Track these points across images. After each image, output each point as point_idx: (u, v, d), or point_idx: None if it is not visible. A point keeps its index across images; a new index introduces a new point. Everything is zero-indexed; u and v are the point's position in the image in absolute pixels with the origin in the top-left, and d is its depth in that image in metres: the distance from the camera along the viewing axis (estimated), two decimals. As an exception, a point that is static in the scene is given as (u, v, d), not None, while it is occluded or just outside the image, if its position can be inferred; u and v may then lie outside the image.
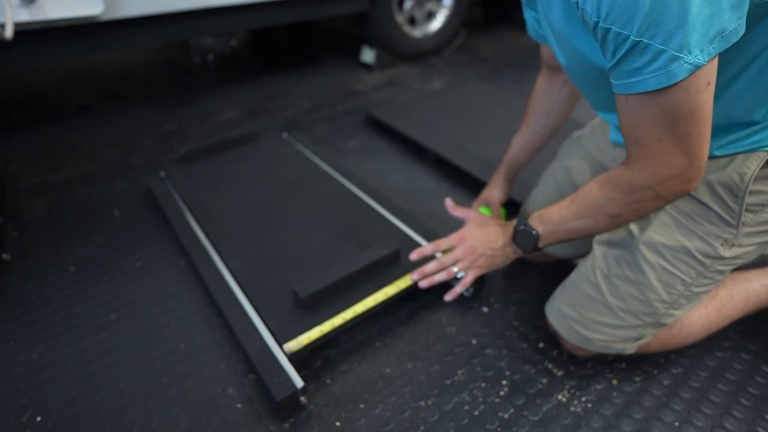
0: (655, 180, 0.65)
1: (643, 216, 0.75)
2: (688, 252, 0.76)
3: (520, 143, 1.10)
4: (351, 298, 0.97)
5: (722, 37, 0.51)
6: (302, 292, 0.94)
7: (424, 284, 0.96)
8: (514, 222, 0.87)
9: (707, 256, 0.75)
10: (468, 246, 0.92)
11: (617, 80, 0.59)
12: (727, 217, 0.72)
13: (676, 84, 0.54)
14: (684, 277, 0.77)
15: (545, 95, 1.05)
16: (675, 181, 0.64)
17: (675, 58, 0.52)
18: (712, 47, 0.51)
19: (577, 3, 0.56)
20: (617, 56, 0.56)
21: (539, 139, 1.08)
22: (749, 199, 0.70)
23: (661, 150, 0.62)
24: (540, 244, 0.83)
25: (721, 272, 0.78)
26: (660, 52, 0.52)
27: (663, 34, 0.50)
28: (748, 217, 0.72)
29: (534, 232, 0.82)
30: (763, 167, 0.69)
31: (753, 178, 0.69)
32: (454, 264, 0.93)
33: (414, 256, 0.97)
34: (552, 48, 0.81)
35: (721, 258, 0.75)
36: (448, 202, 1.05)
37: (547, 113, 1.05)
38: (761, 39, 0.60)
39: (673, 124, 0.59)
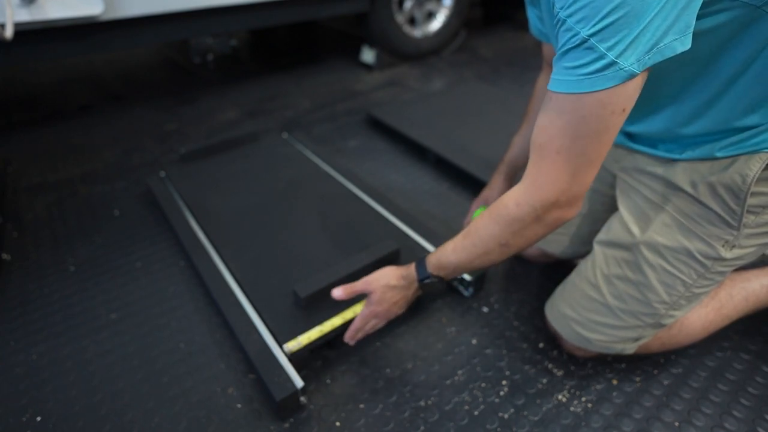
0: (538, 197, 0.65)
1: (531, 243, 0.71)
2: (688, 253, 0.76)
3: (520, 143, 1.10)
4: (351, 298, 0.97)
5: (658, 49, 0.52)
6: (302, 292, 0.94)
7: (352, 342, 0.90)
8: (413, 275, 0.84)
9: (708, 257, 0.75)
10: (376, 312, 0.86)
11: (555, 75, 0.59)
12: (729, 219, 0.72)
13: (602, 91, 0.55)
14: (684, 278, 0.77)
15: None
16: (554, 204, 0.64)
17: (612, 64, 0.53)
18: (648, 58, 0.52)
19: None
20: (563, 48, 0.56)
21: None
22: (751, 201, 0.70)
23: (554, 162, 0.62)
24: (446, 281, 0.83)
25: (722, 273, 0.78)
26: (601, 56, 0.53)
27: (612, 41, 0.51)
28: (749, 219, 0.72)
29: (437, 281, 0.82)
30: (765, 169, 0.68)
31: (755, 180, 0.68)
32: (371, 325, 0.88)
33: (339, 293, 0.87)
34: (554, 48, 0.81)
35: (722, 259, 0.75)
36: (336, 292, 0.87)
37: None
38: (753, 43, 0.60)
39: (576, 139, 0.59)
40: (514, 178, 1.15)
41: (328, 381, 0.90)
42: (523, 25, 1.04)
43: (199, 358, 0.94)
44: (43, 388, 0.89)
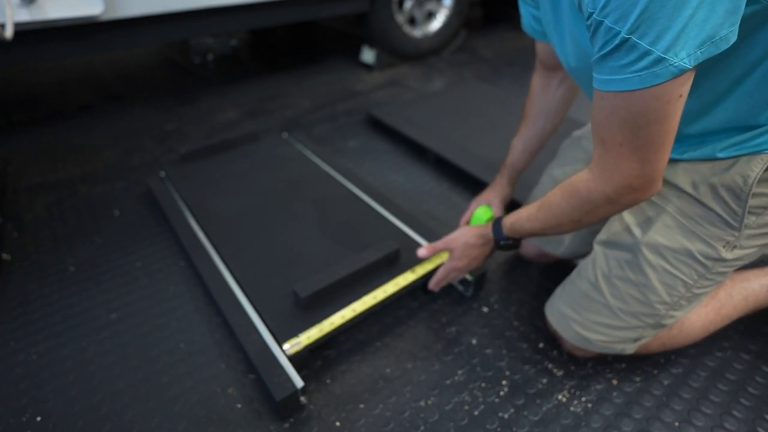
0: (610, 185, 0.66)
1: (601, 219, 0.74)
2: (689, 254, 0.76)
3: (519, 146, 1.10)
4: (351, 297, 0.97)
5: (712, 42, 0.50)
6: (302, 292, 0.94)
7: (436, 289, 1.03)
8: (490, 233, 0.92)
9: (709, 258, 0.75)
10: (457, 266, 0.98)
11: (599, 75, 0.58)
12: (730, 220, 0.72)
13: (654, 87, 0.53)
14: (685, 279, 0.77)
15: (542, 95, 1.04)
16: (628, 188, 0.65)
17: (660, 60, 0.51)
18: (700, 52, 0.51)
19: None
20: (604, 50, 0.55)
21: (539, 140, 1.08)
22: (752, 202, 0.70)
23: (620, 154, 0.62)
24: (517, 245, 0.91)
25: (723, 274, 0.78)
26: (646, 53, 0.51)
27: (652, 35, 0.50)
28: (750, 220, 0.72)
29: (511, 243, 0.90)
30: (766, 170, 0.68)
31: (756, 181, 0.68)
32: (452, 276, 1.01)
33: (423, 252, 1.01)
34: (553, 47, 0.80)
35: (723, 260, 0.75)
36: (421, 251, 1.01)
37: (545, 114, 1.05)
38: (763, 44, 0.60)
39: (638, 131, 0.58)
40: (516, 180, 1.15)
41: (328, 381, 0.90)
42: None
43: (199, 358, 0.94)
44: (43, 388, 0.89)
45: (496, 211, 1.12)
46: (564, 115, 1.06)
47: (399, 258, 1.07)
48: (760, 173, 0.68)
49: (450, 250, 0.98)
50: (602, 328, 0.84)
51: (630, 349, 0.86)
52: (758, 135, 0.68)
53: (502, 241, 0.89)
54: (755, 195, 0.70)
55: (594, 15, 0.53)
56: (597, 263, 0.85)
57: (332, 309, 0.94)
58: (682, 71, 0.52)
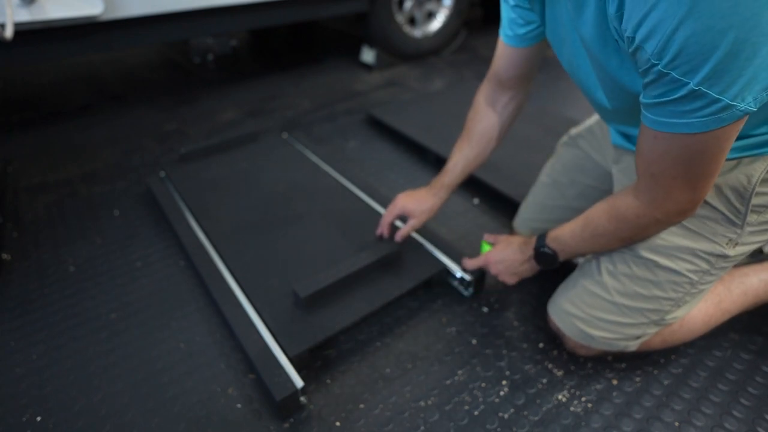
0: (661, 212, 0.68)
1: (649, 237, 0.78)
2: (693, 252, 0.77)
3: (461, 165, 1.02)
4: (352, 299, 0.97)
5: None
6: (302, 291, 0.94)
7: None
8: (533, 242, 0.91)
9: (713, 254, 0.76)
10: (493, 266, 0.98)
11: (654, 116, 0.57)
12: (733, 218, 0.74)
13: (717, 130, 0.53)
14: (691, 276, 0.78)
15: (489, 113, 0.98)
16: (678, 212, 0.68)
17: (728, 107, 0.51)
18: (765, 94, 0.51)
19: (633, 38, 0.52)
20: (666, 98, 0.54)
21: (481, 160, 1.02)
22: (754, 201, 0.72)
23: (672, 186, 0.63)
24: (560, 261, 0.88)
25: (724, 269, 0.79)
26: (715, 101, 0.51)
27: (722, 85, 0.49)
28: (752, 218, 0.73)
29: (550, 253, 0.87)
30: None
31: (759, 181, 0.70)
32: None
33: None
34: (559, 56, 0.79)
35: (726, 257, 0.76)
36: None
37: (490, 135, 0.98)
38: None
39: (692, 166, 0.60)
40: (448, 197, 1.07)
41: (328, 381, 0.90)
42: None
43: (199, 358, 0.94)
44: (43, 388, 0.89)
45: (416, 222, 1.05)
46: (506, 133, 1.01)
47: (399, 258, 1.07)
48: (763, 173, 0.70)
49: (494, 245, 1.00)
50: (606, 325, 0.85)
51: (632, 346, 0.86)
52: (757, 145, 0.69)
53: (542, 248, 0.87)
54: (758, 194, 0.71)
55: (658, 66, 0.51)
56: (602, 261, 0.86)
57: (333, 310, 0.94)
58: (747, 114, 0.52)
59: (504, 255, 0.96)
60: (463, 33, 2.70)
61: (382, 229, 1.12)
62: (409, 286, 1.01)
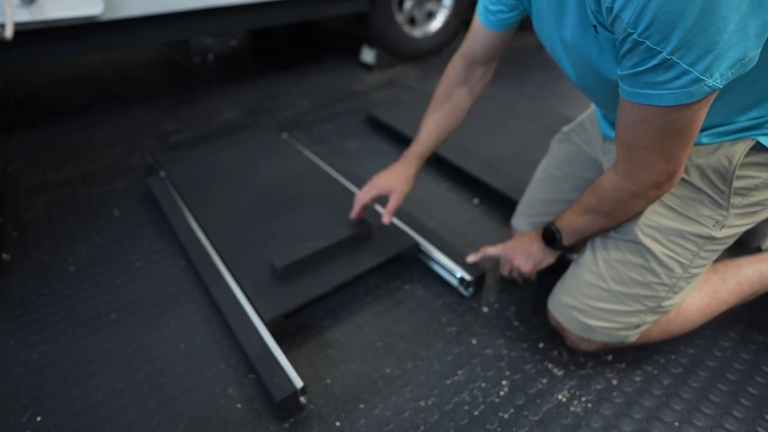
0: (635, 183, 0.71)
1: (633, 213, 0.80)
2: (681, 234, 0.79)
3: (434, 135, 1.04)
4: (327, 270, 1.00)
5: (741, 63, 0.53)
6: (279, 263, 0.97)
7: (473, 258, 1.04)
8: (542, 229, 0.94)
9: (700, 236, 0.79)
10: (509, 251, 1.00)
11: (630, 87, 0.60)
12: (718, 199, 0.77)
13: (686, 104, 0.56)
14: (681, 259, 0.80)
15: (463, 88, 1.02)
16: (652, 184, 0.70)
17: (697, 80, 0.53)
18: (731, 72, 0.53)
19: (611, 8, 0.55)
20: (639, 68, 0.56)
21: (453, 129, 1.05)
22: (737, 183, 0.75)
23: (645, 156, 0.66)
24: (564, 243, 0.90)
25: (714, 251, 0.82)
26: (685, 72, 0.53)
27: (693, 56, 0.51)
28: (736, 200, 0.76)
29: (558, 235, 0.90)
30: (748, 154, 0.73)
31: (739, 164, 0.73)
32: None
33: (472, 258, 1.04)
34: (552, 51, 0.80)
35: (713, 238, 0.79)
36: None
37: (462, 108, 1.03)
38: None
39: (665, 137, 0.62)
40: (420, 170, 1.08)
41: (328, 381, 0.90)
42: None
43: (199, 358, 0.94)
44: (43, 388, 0.89)
45: (398, 196, 1.04)
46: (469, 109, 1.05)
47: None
48: (743, 155, 0.73)
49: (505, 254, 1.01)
50: (605, 314, 0.85)
51: (632, 336, 0.87)
52: (737, 130, 0.73)
53: (549, 226, 0.91)
54: (739, 177, 0.74)
55: (634, 35, 0.53)
56: (596, 249, 0.87)
57: (307, 281, 0.96)
58: (714, 90, 0.54)
59: (517, 242, 0.99)
60: (463, 33, 2.70)
61: (355, 212, 1.09)
62: (380, 260, 1.06)
